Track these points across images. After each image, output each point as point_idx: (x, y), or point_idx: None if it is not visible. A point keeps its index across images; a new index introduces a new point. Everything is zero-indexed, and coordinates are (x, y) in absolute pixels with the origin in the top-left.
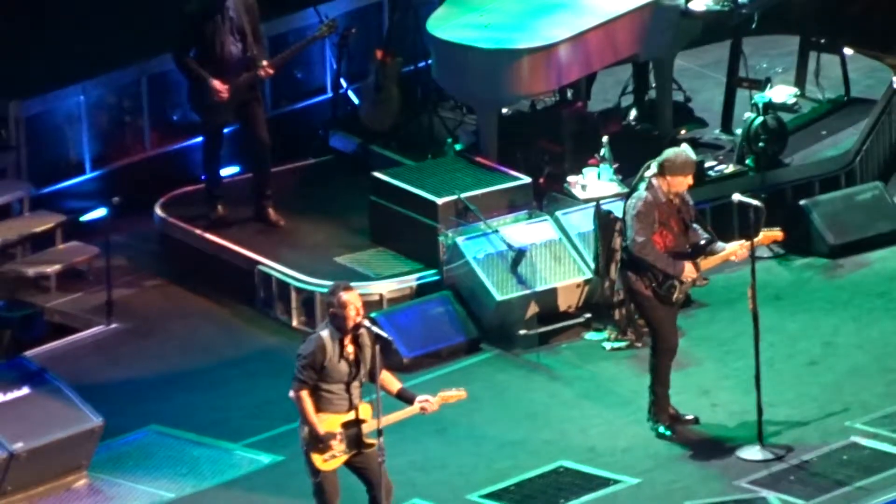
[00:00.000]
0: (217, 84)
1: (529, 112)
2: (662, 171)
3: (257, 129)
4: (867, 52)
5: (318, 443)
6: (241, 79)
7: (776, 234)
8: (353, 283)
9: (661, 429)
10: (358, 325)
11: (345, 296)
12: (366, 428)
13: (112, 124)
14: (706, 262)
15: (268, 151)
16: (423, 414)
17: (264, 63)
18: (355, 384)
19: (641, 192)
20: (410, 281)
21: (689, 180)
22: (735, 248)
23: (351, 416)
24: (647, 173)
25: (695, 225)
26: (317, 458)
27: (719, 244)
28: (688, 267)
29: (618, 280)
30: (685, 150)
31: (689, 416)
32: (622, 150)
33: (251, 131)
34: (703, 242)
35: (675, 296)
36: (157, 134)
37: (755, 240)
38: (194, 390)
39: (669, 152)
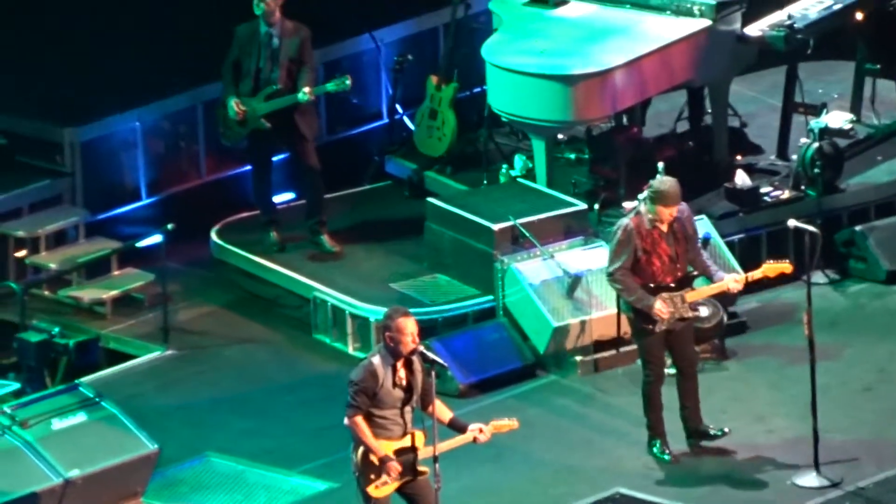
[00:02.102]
0: (234, 104)
1: (585, 137)
2: (649, 199)
3: (305, 156)
4: None
5: (372, 469)
6: (264, 105)
7: (783, 266)
8: (411, 310)
9: (659, 453)
10: (413, 351)
11: (402, 321)
12: (419, 455)
13: (167, 150)
14: (697, 294)
15: (318, 177)
16: (475, 443)
17: (306, 89)
18: (407, 409)
19: (625, 219)
20: (466, 307)
21: (672, 212)
22: (728, 282)
23: (404, 442)
24: (640, 198)
25: (699, 257)
26: (369, 486)
27: (718, 274)
28: (657, 304)
29: None
30: (672, 182)
31: (715, 431)
32: (677, 175)
33: (299, 158)
34: (682, 276)
35: (655, 327)
36: (212, 160)
37: (752, 273)
38: (249, 417)
39: (656, 180)
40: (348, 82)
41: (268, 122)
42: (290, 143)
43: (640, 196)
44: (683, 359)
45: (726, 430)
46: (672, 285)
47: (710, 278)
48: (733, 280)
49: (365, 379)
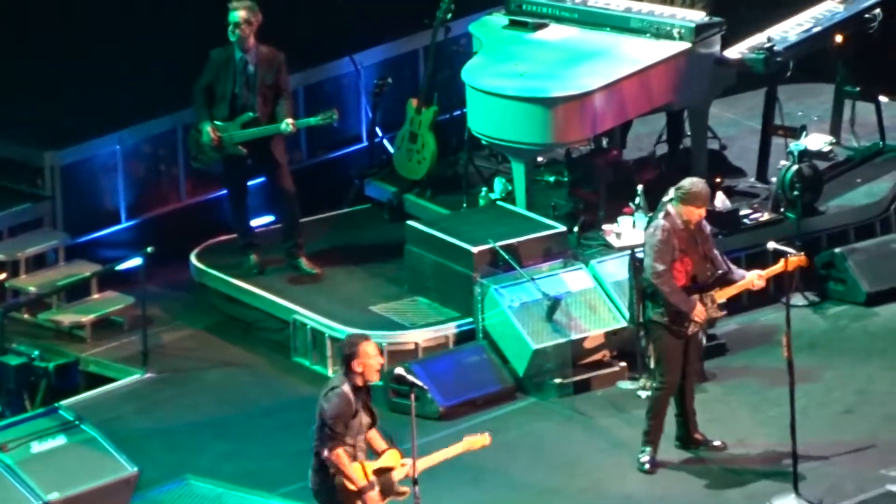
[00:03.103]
0: (208, 130)
1: (564, 160)
2: (679, 199)
3: (281, 180)
4: None
5: (356, 497)
6: (240, 132)
7: (800, 259)
8: (390, 332)
9: (642, 458)
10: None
11: (366, 346)
12: (396, 475)
13: (147, 173)
14: (723, 293)
15: (294, 201)
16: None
17: (289, 120)
18: (371, 433)
19: (659, 220)
20: (446, 330)
21: (702, 212)
22: (752, 279)
23: (378, 464)
24: (665, 201)
25: (716, 252)
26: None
27: (738, 272)
28: (698, 307)
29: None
30: (703, 183)
31: (717, 443)
32: (657, 198)
33: (274, 182)
34: (720, 273)
35: (689, 330)
36: (192, 183)
37: (772, 268)
38: (229, 440)
39: (686, 181)
40: (335, 116)
41: (244, 148)
42: (265, 167)
43: (665, 198)
44: (693, 363)
45: (721, 443)
46: (707, 283)
47: (730, 277)
48: (757, 276)
49: (342, 409)
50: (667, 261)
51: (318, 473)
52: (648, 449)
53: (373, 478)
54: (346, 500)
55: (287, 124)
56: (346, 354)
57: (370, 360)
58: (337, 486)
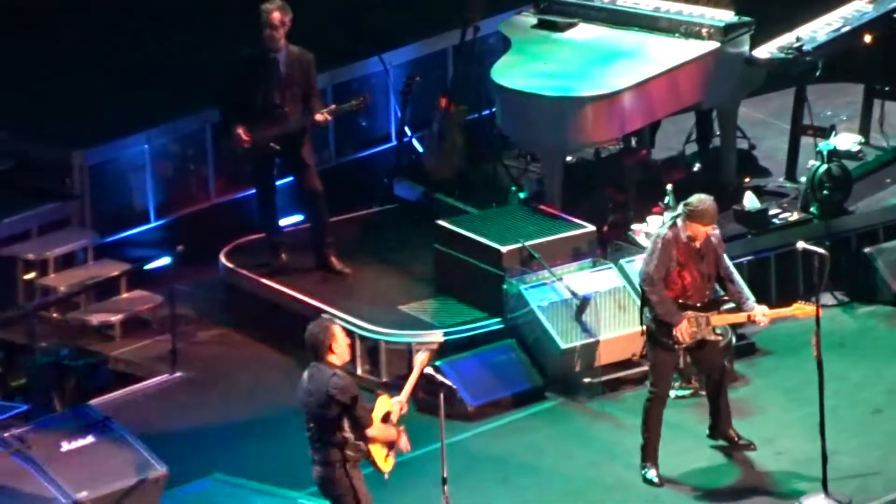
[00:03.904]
0: (241, 132)
1: (593, 160)
2: (685, 215)
3: (308, 179)
4: None
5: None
6: (272, 130)
7: (811, 310)
8: (419, 332)
9: (648, 475)
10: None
11: (337, 329)
12: (393, 417)
13: (176, 173)
14: (721, 318)
15: (322, 199)
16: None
17: (328, 108)
18: None
19: (663, 229)
20: (475, 329)
21: (708, 230)
22: (756, 314)
23: (379, 412)
24: (676, 213)
25: (734, 277)
26: (382, 460)
27: (748, 303)
28: (683, 324)
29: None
30: (710, 200)
31: (746, 443)
32: (686, 197)
33: (301, 182)
34: (716, 297)
35: (671, 343)
36: (221, 182)
37: (780, 310)
38: (258, 439)
39: (694, 197)
40: (366, 103)
41: (276, 145)
42: (293, 167)
43: (675, 213)
44: (713, 368)
45: (751, 443)
46: (699, 305)
47: (738, 305)
48: (762, 313)
49: (354, 386)
50: (661, 270)
51: (324, 465)
52: (649, 464)
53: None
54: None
55: (323, 112)
56: (321, 340)
57: (344, 343)
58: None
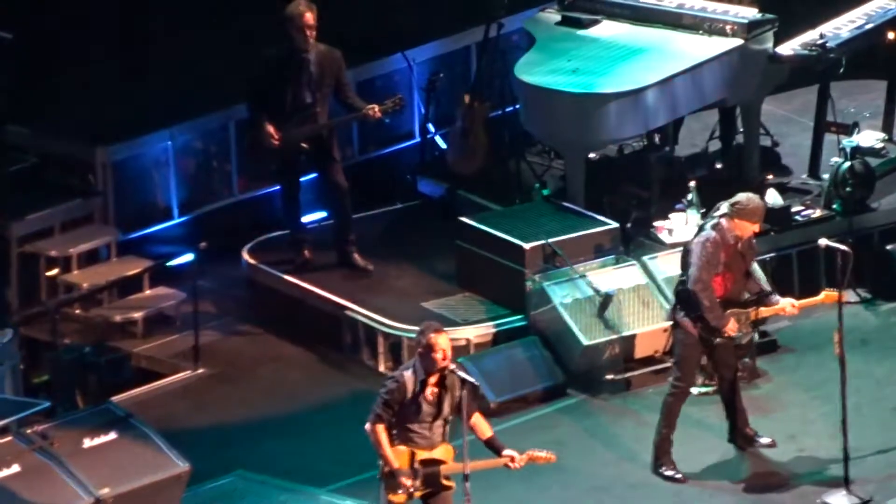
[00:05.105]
0: (270, 129)
1: (617, 157)
2: (732, 214)
3: (334, 174)
4: None
5: (392, 477)
6: (304, 129)
7: (835, 296)
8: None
9: (667, 473)
10: (444, 368)
11: (434, 338)
12: (444, 469)
13: (199, 169)
14: (760, 313)
15: (347, 196)
16: (508, 468)
17: (373, 105)
18: (437, 423)
19: (709, 231)
20: (497, 326)
21: (756, 228)
22: (785, 305)
23: (434, 454)
24: (717, 213)
25: (755, 268)
26: (391, 493)
27: (774, 297)
28: (731, 322)
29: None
30: (758, 198)
31: (767, 440)
32: (709, 195)
33: (327, 177)
34: (760, 294)
35: (716, 341)
36: (244, 179)
37: (810, 300)
38: (281, 436)
39: (742, 196)
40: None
41: (305, 145)
42: (320, 163)
43: (717, 211)
44: (727, 367)
45: (770, 440)
46: (744, 300)
47: (763, 300)
48: (790, 304)
49: (392, 391)
50: (711, 274)
51: None
52: (664, 462)
53: (417, 466)
54: (384, 476)
55: (371, 109)
56: (415, 341)
57: (431, 353)
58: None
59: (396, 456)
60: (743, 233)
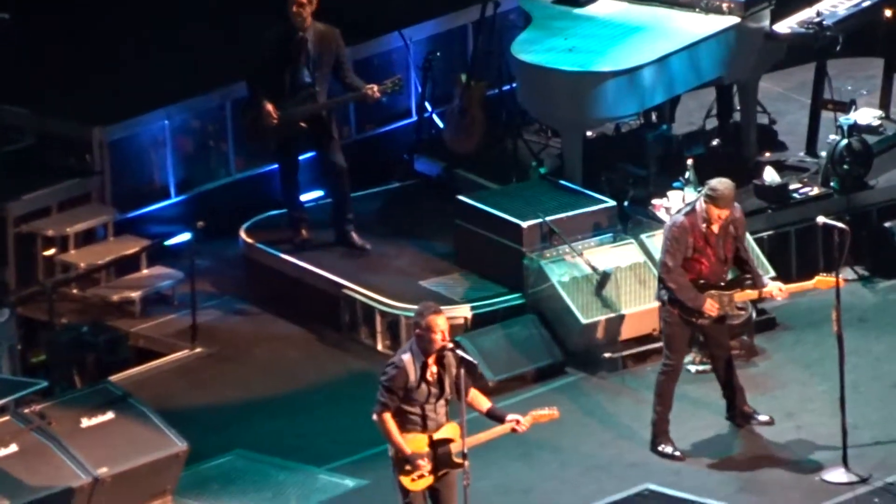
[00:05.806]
0: (269, 108)
1: (614, 135)
2: (705, 197)
3: (332, 154)
4: None
5: (406, 463)
6: (304, 109)
7: (829, 281)
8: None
9: (665, 450)
10: (443, 348)
11: (432, 319)
12: (454, 447)
13: (196, 149)
14: (742, 296)
15: (345, 175)
16: (514, 433)
17: (372, 86)
18: (440, 403)
19: (678, 216)
20: (495, 304)
21: (723, 213)
22: (773, 289)
23: (438, 434)
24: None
25: (749, 250)
26: (405, 479)
27: (763, 280)
28: (708, 302)
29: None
30: (732, 186)
31: (765, 418)
32: (706, 173)
33: (326, 156)
34: (734, 278)
35: (698, 321)
36: (241, 158)
37: (800, 284)
38: (279, 415)
39: (716, 181)
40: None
41: (304, 124)
42: (319, 142)
43: (697, 192)
44: (720, 346)
45: (768, 418)
46: (721, 284)
47: (754, 282)
48: (777, 288)
49: (394, 377)
50: (678, 258)
51: None
52: (662, 440)
53: (426, 448)
54: (397, 463)
55: (371, 89)
56: (412, 322)
57: (430, 333)
58: (391, 449)
59: (408, 442)
60: (711, 218)
